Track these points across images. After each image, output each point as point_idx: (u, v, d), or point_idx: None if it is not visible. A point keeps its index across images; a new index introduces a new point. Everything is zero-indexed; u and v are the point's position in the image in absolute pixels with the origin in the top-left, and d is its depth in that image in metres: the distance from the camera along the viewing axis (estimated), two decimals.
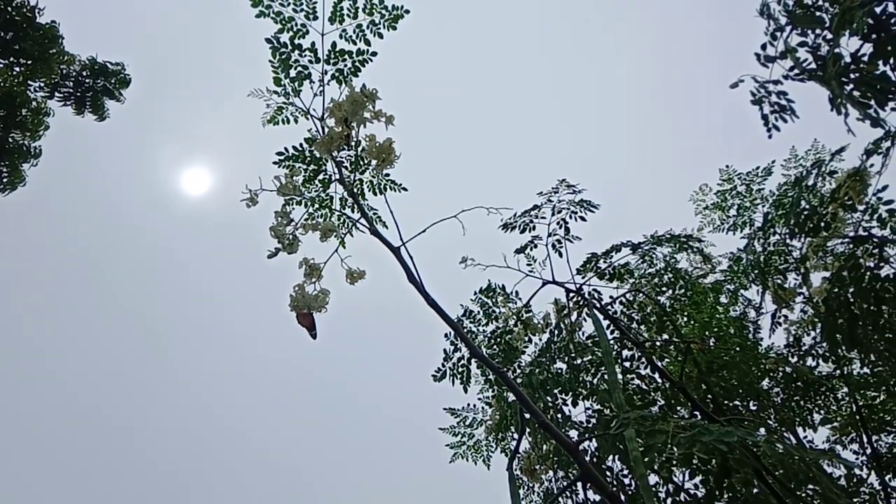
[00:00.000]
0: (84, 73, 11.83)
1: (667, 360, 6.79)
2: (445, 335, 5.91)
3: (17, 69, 10.95)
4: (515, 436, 6.47)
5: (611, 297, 6.09)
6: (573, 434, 5.74)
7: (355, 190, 4.90)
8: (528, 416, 4.63)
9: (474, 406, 7.02)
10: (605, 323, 5.48)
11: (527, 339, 6.14)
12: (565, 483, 5.77)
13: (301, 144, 4.89)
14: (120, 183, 23.24)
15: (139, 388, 22.36)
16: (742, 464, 3.62)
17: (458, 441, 7.06)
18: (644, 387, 5.96)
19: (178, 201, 21.98)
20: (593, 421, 5.82)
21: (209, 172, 21.53)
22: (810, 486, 4.32)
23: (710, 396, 5.93)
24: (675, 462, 4.88)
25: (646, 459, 3.45)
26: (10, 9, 10.50)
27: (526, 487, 6.25)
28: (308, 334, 4.30)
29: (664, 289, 6.56)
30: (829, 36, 4.54)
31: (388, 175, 5.00)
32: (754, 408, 6.95)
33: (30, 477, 19.44)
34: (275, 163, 4.89)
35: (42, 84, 11.39)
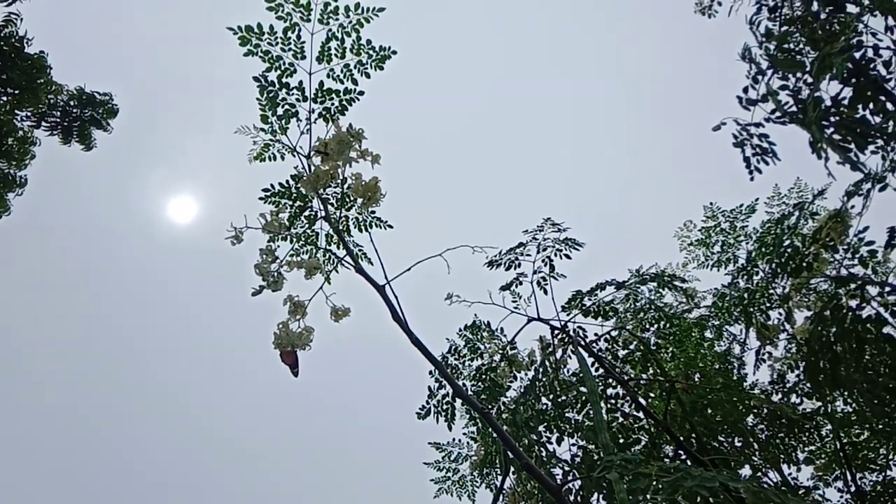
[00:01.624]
0: (72, 103, 11.82)
1: (651, 397, 6.79)
2: (430, 372, 5.90)
3: (4, 98, 10.93)
4: (499, 471, 6.44)
5: (595, 334, 6.10)
6: (557, 472, 5.72)
7: (341, 227, 4.90)
8: (511, 455, 4.61)
9: (459, 441, 6.99)
10: (589, 361, 5.48)
11: (511, 375, 6.13)
12: None
13: (287, 181, 4.89)
14: (106, 211, 23.19)
15: (126, 412, 22.13)
16: None
17: (442, 476, 7.02)
18: (628, 425, 5.95)
19: (165, 229, 21.94)
20: (578, 458, 5.80)
21: (195, 200, 21.54)
22: None
23: (694, 435, 5.92)
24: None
25: (630, 498, 3.44)
26: None
27: None
28: (290, 372, 4.28)
29: (649, 325, 6.58)
30: (810, 80, 4.62)
31: (373, 212, 5.01)
32: (739, 444, 6.95)
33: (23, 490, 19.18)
34: (261, 199, 4.89)
35: (29, 113, 11.37)
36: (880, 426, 6.82)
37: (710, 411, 6.47)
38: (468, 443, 6.98)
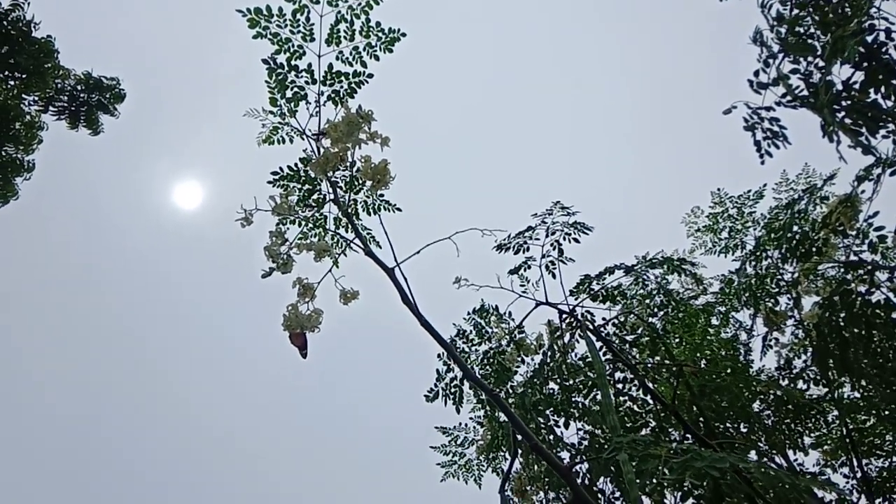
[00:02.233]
0: (79, 88, 11.83)
1: (658, 382, 6.79)
2: (438, 355, 5.91)
3: (12, 83, 10.93)
4: (506, 456, 6.46)
5: (603, 318, 6.10)
6: (565, 456, 5.73)
7: (349, 210, 4.91)
8: (520, 437, 4.62)
9: (466, 425, 7.01)
10: (597, 344, 5.48)
11: (519, 359, 6.14)
12: None
13: (296, 164, 4.90)
14: (113, 196, 23.23)
15: (131, 400, 22.22)
16: (734, 489, 3.63)
17: (449, 460, 7.05)
18: (636, 409, 5.96)
19: (171, 214, 21.98)
20: (585, 442, 5.81)
21: (201, 186, 21.58)
22: None
23: (702, 419, 5.93)
24: (667, 485, 4.88)
25: (637, 481, 3.45)
26: (5, 23, 10.50)
27: None
28: (299, 353, 4.30)
29: (656, 310, 6.57)
30: (822, 64, 4.59)
31: (382, 195, 5.02)
32: (745, 430, 6.95)
33: (21, 484, 19.25)
34: (269, 182, 4.90)
35: (36, 98, 11.38)
36: (887, 412, 6.82)
37: (716, 396, 6.47)
38: (474, 427, 7.01)
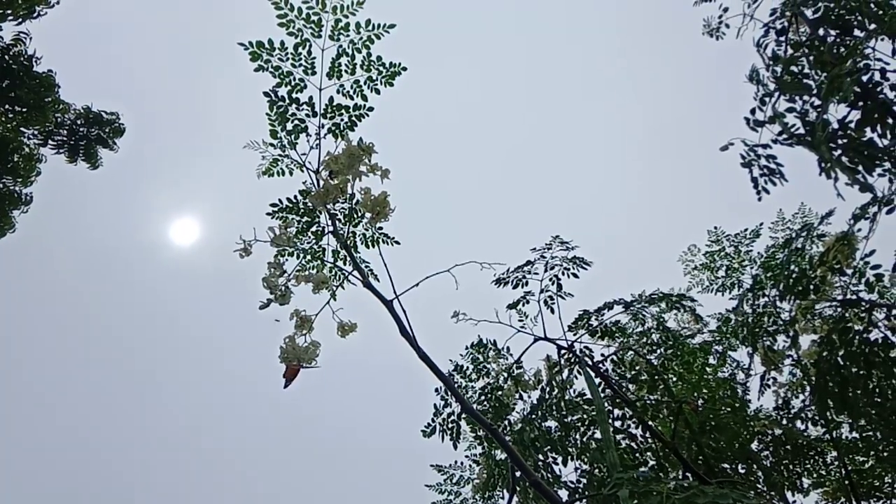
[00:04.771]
0: (78, 122, 11.87)
1: (659, 418, 6.74)
2: (436, 390, 5.87)
3: (12, 116, 10.97)
4: (502, 494, 6.39)
5: (602, 354, 6.08)
6: (563, 495, 5.65)
7: (348, 242, 4.90)
8: (518, 474, 4.56)
9: (461, 464, 6.93)
10: (596, 381, 5.45)
11: (517, 395, 6.09)
12: None
13: (295, 196, 4.90)
14: (109, 231, 23.22)
15: (127, 437, 21.93)
16: None
17: (445, 499, 6.95)
18: (634, 446, 5.90)
19: (167, 250, 21.97)
20: (583, 481, 5.74)
21: (197, 222, 21.61)
22: None
23: (701, 458, 5.87)
24: None
25: None
26: (7, 57, 10.57)
27: None
28: (283, 381, 4.24)
29: (654, 347, 6.55)
30: (817, 102, 4.64)
31: (381, 228, 5.02)
32: (743, 470, 6.89)
33: None
34: (269, 214, 4.90)
35: (36, 131, 11.41)
36: (886, 453, 6.76)
37: (715, 435, 6.42)
38: (470, 465, 6.93)
